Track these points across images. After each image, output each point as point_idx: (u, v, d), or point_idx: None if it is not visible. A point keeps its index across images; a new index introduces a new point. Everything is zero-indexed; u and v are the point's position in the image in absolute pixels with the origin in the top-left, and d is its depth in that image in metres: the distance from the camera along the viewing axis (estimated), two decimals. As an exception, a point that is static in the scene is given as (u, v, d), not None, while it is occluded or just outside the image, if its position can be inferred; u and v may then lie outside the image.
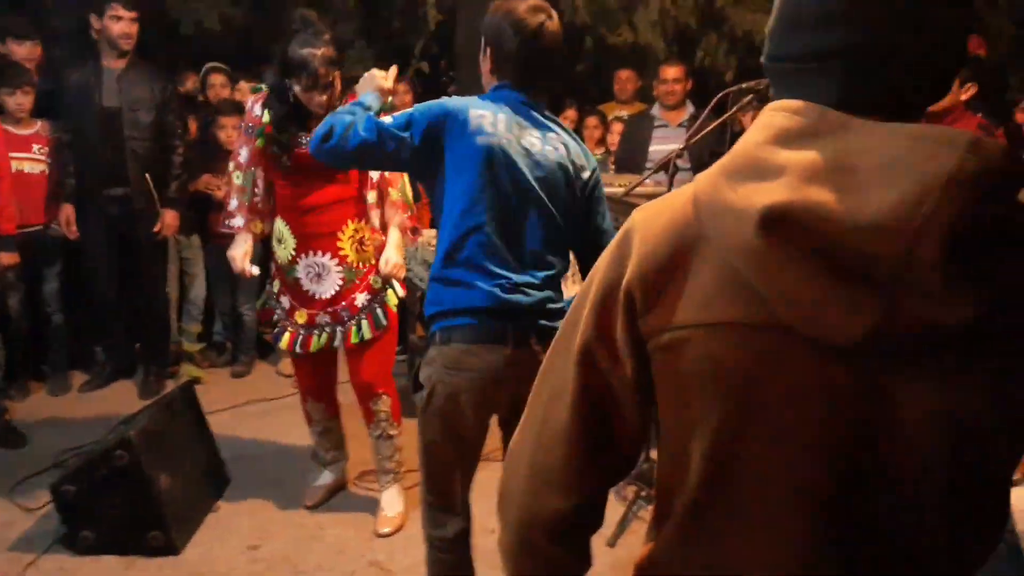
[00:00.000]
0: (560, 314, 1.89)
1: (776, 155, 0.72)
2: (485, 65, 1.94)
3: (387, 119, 1.86)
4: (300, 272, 2.70)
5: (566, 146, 1.91)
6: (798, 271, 0.69)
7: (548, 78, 1.94)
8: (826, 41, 0.75)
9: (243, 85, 4.58)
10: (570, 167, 1.89)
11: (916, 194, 0.65)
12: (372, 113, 1.92)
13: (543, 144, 1.87)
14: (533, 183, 1.84)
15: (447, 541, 2.01)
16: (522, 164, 1.83)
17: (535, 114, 1.90)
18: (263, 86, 2.72)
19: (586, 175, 1.94)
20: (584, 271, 2.05)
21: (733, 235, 0.73)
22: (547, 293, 1.88)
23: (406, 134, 1.82)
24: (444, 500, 2.00)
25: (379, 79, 2.08)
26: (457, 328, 1.85)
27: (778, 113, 0.76)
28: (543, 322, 1.87)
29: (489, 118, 1.82)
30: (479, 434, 1.97)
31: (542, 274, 1.88)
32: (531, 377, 1.94)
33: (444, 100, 1.88)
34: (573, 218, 1.93)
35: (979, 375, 0.70)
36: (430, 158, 1.84)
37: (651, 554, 0.89)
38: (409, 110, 1.87)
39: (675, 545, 0.86)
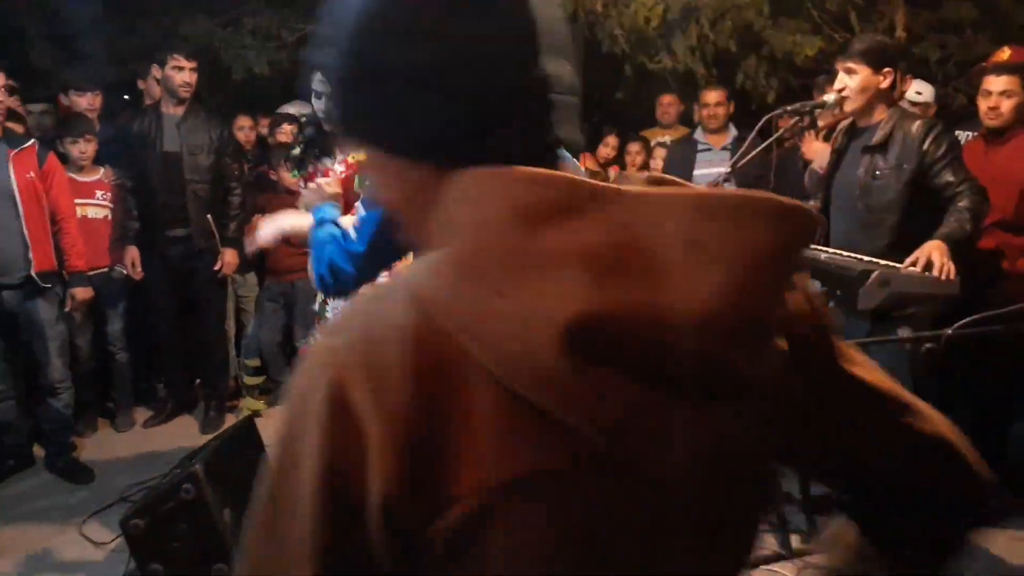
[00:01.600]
0: None
1: (536, 239, 0.56)
2: None
3: (351, 231, 1.84)
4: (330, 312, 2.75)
5: None
6: (613, 389, 0.55)
7: None
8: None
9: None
10: None
11: (736, 277, 0.56)
12: (335, 224, 1.91)
13: None
14: None
15: None
16: None
17: None
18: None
19: None
20: None
21: (517, 357, 0.55)
22: None
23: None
24: None
25: (325, 188, 2.06)
26: None
27: (515, 183, 0.58)
28: None
29: None
30: None
31: None
32: None
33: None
34: None
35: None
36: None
37: None
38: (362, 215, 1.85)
39: None
